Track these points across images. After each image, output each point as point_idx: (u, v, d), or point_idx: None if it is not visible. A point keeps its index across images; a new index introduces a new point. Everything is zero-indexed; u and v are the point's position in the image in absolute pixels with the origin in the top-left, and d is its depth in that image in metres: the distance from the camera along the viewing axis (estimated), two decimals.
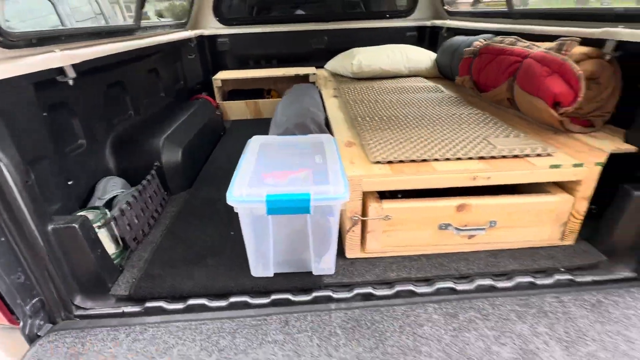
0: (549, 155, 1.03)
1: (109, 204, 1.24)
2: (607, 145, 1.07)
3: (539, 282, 1.01)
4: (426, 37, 2.65)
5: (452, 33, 2.30)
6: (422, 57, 2.14)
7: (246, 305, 0.97)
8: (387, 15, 2.66)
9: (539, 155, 1.02)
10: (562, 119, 1.17)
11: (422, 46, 2.40)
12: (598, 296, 0.93)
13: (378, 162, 1.02)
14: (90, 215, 1.02)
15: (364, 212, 1.02)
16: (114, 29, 1.52)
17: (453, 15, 2.48)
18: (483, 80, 1.56)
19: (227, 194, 0.87)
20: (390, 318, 0.88)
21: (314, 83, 2.36)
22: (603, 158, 0.99)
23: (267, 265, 1.00)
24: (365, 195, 1.04)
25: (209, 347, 0.82)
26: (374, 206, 1.00)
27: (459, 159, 1.02)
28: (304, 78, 2.53)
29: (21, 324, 0.87)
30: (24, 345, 0.87)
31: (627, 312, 0.87)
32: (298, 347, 0.81)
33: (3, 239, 0.82)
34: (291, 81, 2.50)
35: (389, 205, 1.01)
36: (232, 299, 0.98)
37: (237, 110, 2.53)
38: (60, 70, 1.03)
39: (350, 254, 1.07)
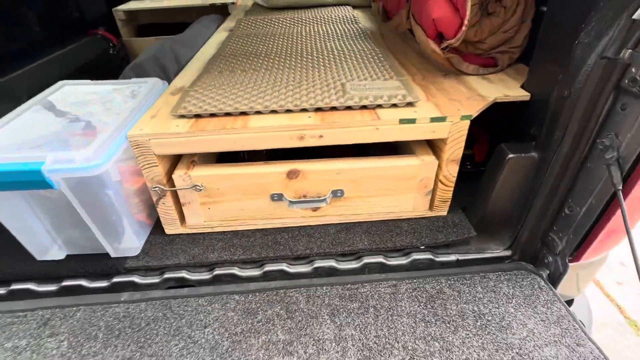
0: (409, 105, 0.78)
1: None
2: (495, 92, 0.82)
3: (391, 262, 0.83)
4: None
5: None
6: None
7: (31, 294, 0.80)
8: None
9: (394, 105, 0.78)
10: (448, 55, 0.90)
11: None
12: (443, 285, 0.75)
13: (183, 117, 0.78)
14: None
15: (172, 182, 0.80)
16: None
17: None
18: (389, 6, 1.24)
19: None
20: (175, 315, 0.71)
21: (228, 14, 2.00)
22: (474, 110, 0.75)
23: (54, 246, 0.81)
24: (181, 159, 0.82)
25: None
26: (178, 174, 0.78)
27: (289, 111, 0.78)
28: (223, 8, 2.15)
29: None
30: None
31: (465, 307, 0.69)
32: (36, 356, 0.64)
33: None
34: (209, 12, 2.13)
35: (198, 172, 0.79)
36: (14, 287, 0.80)
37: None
38: None
39: (169, 229, 0.88)
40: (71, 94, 0.91)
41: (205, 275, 0.82)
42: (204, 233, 0.88)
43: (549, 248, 0.80)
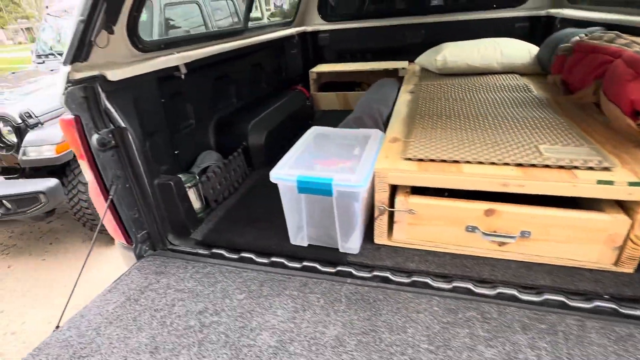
0: (605, 169, 0.93)
1: (204, 172, 1.59)
2: None
3: (573, 304, 0.94)
4: (539, 29, 2.37)
5: (567, 24, 2.03)
6: (520, 52, 1.96)
7: (282, 266, 1.18)
8: (494, 5, 2.46)
9: (590, 168, 0.94)
10: None
11: (534, 39, 2.16)
12: (633, 330, 0.83)
13: (409, 159, 1.08)
14: (184, 177, 1.36)
15: (392, 204, 1.10)
16: (225, 32, 1.87)
17: (575, 2, 2.16)
18: (572, 80, 1.40)
19: (271, 172, 1.08)
20: (393, 300, 0.97)
21: (401, 78, 2.40)
22: None
23: (302, 236, 1.19)
24: (397, 188, 1.12)
25: (242, 288, 1.05)
26: (399, 199, 1.08)
27: (493, 163, 1.01)
28: (394, 72, 2.57)
29: (133, 245, 1.25)
30: (134, 259, 1.25)
31: None
32: (306, 303, 0.98)
33: (128, 185, 1.20)
34: (381, 75, 2.58)
35: (414, 200, 1.07)
36: (273, 259, 1.20)
37: (327, 101, 2.75)
38: (176, 68, 1.38)
39: (378, 240, 1.17)
40: (323, 136, 1.33)
41: (405, 279, 1.07)
42: (403, 247, 1.15)
43: None
